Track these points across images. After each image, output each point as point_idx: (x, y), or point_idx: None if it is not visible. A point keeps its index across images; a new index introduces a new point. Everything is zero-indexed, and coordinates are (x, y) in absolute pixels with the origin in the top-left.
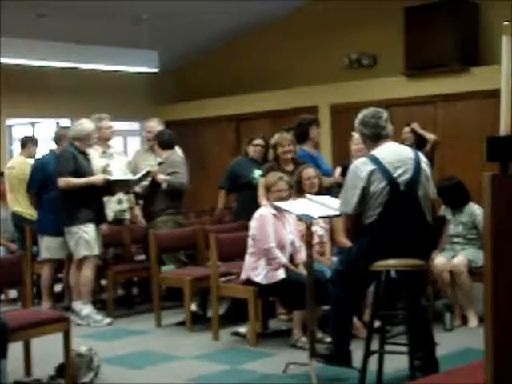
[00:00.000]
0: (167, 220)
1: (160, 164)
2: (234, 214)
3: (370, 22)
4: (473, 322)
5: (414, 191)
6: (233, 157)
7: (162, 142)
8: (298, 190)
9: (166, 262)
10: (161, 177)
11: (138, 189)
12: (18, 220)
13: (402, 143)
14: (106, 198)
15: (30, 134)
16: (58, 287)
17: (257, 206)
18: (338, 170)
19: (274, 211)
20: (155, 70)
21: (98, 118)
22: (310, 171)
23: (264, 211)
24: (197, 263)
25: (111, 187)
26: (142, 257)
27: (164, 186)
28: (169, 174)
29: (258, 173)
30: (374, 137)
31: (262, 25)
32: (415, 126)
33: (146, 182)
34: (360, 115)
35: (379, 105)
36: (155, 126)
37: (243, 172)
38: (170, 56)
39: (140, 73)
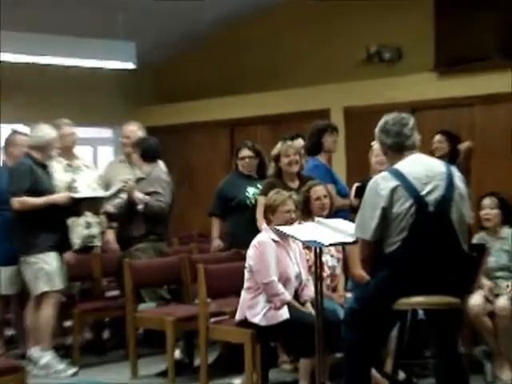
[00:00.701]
0: (146, 248)
1: (139, 180)
2: (227, 241)
3: (394, 7)
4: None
5: (445, 212)
6: (227, 171)
7: (145, 153)
8: (305, 211)
9: (145, 300)
10: (138, 196)
11: (111, 209)
12: None
13: (432, 155)
14: (71, 221)
15: None
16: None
17: (254, 230)
18: (354, 189)
19: (275, 237)
20: (131, 66)
21: (55, 124)
22: (319, 189)
23: (264, 237)
24: (182, 300)
25: (77, 207)
26: (115, 292)
27: (140, 207)
28: (148, 194)
29: (252, 191)
30: (397, 147)
31: (261, 11)
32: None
33: (119, 200)
34: (381, 122)
35: (404, 108)
36: (135, 130)
37: (234, 191)
38: (150, 48)
39: (113, 69)
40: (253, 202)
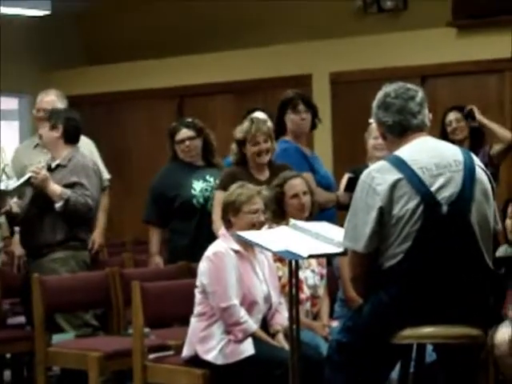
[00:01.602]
0: (67, 258)
1: (55, 168)
2: (169, 252)
3: None
4: None
5: (463, 214)
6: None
7: (68, 132)
8: (278, 212)
9: (63, 327)
10: (55, 189)
11: (14, 207)
12: None
13: (447, 138)
14: None
15: None
16: None
17: (205, 240)
18: (344, 181)
19: (237, 246)
20: (45, 13)
21: None
22: (297, 183)
23: (221, 247)
24: (110, 330)
25: None
26: (20, 319)
27: (58, 205)
28: (68, 186)
29: (199, 186)
30: (400, 128)
31: None
32: (477, 114)
33: (27, 195)
34: (379, 94)
35: (411, 75)
36: (54, 101)
37: (173, 188)
38: None
39: (19, 17)
40: (201, 201)
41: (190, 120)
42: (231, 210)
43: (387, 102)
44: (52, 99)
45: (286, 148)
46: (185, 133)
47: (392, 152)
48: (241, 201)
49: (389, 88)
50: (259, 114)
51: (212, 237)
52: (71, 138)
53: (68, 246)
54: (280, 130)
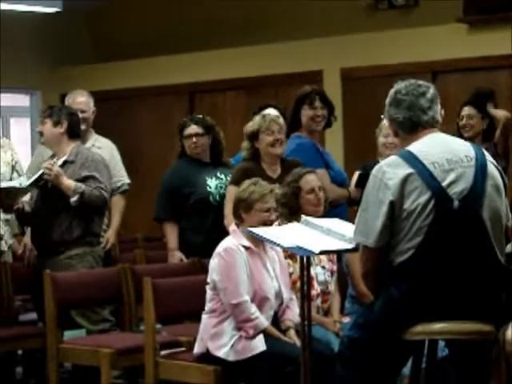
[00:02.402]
0: (84, 254)
1: (62, 164)
2: (182, 249)
3: None
4: None
5: (474, 210)
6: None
7: (72, 127)
8: (293, 209)
9: (83, 324)
10: (69, 183)
11: (25, 206)
12: None
13: (459, 135)
14: None
15: None
16: None
17: (223, 235)
18: (355, 177)
19: (247, 242)
20: (56, 10)
21: None
22: (313, 178)
23: (231, 243)
24: (122, 327)
25: None
26: (32, 315)
27: (73, 199)
28: (81, 181)
29: (213, 183)
30: (411, 124)
31: None
32: (492, 110)
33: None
34: (391, 91)
35: (422, 71)
36: (88, 101)
37: (189, 185)
38: None
39: (30, 14)
40: (217, 198)
41: (200, 116)
42: (243, 207)
43: (398, 99)
44: (86, 99)
45: (301, 143)
46: (193, 129)
47: (404, 147)
48: (253, 198)
49: (400, 85)
50: (271, 111)
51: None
52: (75, 134)
53: (84, 241)
54: (294, 125)
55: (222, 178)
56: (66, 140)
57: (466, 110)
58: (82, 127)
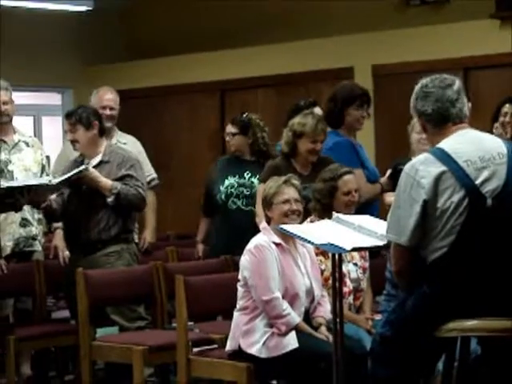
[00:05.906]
0: (121, 251)
1: (97, 165)
2: (211, 247)
3: None
4: None
5: (508, 208)
6: (215, 152)
7: (101, 126)
8: (326, 207)
9: (118, 322)
10: (105, 183)
11: (54, 203)
12: None
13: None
14: (1, 217)
15: None
16: None
17: (249, 232)
18: (388, 174)
19: (277, 239)
20: (87, 8)
21: None
22: (351, 179)
23: (262, 240)
24: (154, 324)
25: (13, 198)
26: (65, 313)
27: (110, 199)
28: (118, 180)
29: (229, 181)
30: (440, 117)
31: None
32: None
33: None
34: (417, 86)
35: (453, 67)
36: (117, 98)
37: (215, 184)
38: None
39: (62, 12)
40: (223, 197)
41: (238, 116)
42: (265, 205)
43: (425, 92)
44: (114, 96)
45: (339, 141)
46: (228, 128)
47: (434, 145)
48: (270, 194)
49: (425, 79)
50: (317, 110)
51: (238, 233)
52: (103, 131)
53: (120, 238)
54: (334, 121)
55: (244, 177)
56: (98, 139)
57: (508, 108)
58: (109, 124)
